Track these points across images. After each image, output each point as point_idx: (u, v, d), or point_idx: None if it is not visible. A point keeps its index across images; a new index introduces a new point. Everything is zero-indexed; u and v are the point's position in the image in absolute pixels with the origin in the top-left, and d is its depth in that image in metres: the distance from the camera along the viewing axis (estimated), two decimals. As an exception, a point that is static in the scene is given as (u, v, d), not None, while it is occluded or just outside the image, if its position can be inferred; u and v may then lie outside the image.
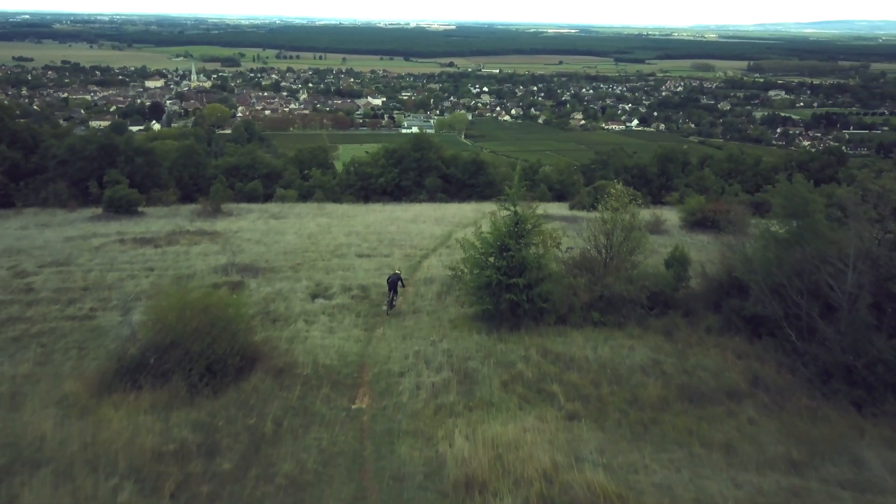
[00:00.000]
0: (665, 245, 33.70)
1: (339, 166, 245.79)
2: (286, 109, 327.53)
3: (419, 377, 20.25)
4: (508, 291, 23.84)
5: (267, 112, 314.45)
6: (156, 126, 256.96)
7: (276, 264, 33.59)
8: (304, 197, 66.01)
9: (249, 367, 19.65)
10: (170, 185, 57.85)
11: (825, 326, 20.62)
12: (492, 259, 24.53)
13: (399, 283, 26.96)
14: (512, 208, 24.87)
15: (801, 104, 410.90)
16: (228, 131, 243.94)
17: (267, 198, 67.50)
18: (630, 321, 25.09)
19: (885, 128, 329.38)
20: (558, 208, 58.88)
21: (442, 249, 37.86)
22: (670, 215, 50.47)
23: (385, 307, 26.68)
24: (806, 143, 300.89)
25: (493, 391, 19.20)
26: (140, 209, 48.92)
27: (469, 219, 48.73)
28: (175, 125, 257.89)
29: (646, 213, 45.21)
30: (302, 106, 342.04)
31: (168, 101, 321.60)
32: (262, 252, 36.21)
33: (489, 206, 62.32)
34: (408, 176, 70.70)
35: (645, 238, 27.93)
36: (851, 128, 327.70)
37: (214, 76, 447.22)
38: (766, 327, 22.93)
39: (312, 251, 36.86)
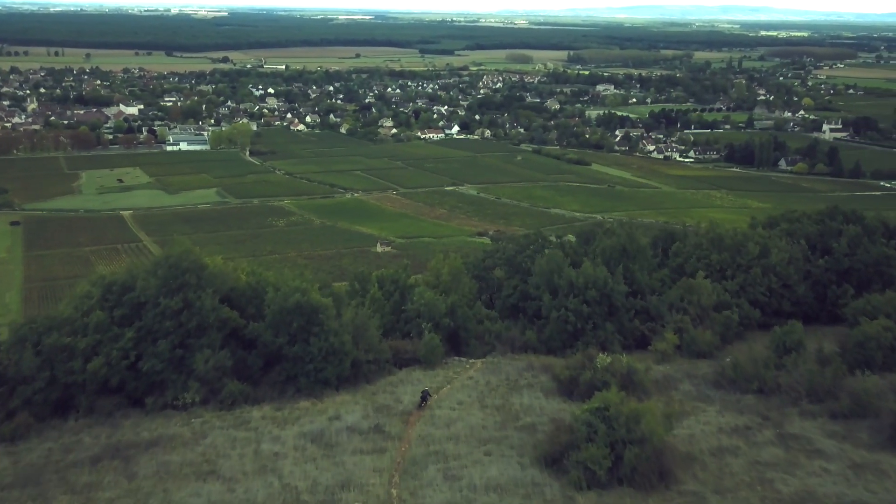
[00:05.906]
0: None
1: (80, 203, 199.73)
2: (8, 125, 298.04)
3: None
4: None
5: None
6: None
7: None
8: None
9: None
10: None
11: None
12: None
13: (427, 395, 43.36)
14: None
15: (634, 100, 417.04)
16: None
17: None
18: None
19: (727, 126, 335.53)
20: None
21: None
22: None
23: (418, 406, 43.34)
24: (650, 147, 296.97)
25: None
26: None
27: None
28: None
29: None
30: (30, 119, 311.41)
31: None
32: None
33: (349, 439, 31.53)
34: (156, 349, 37.26)
35: None
36: (693, 127, 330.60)
37: None
38: None
39: None
